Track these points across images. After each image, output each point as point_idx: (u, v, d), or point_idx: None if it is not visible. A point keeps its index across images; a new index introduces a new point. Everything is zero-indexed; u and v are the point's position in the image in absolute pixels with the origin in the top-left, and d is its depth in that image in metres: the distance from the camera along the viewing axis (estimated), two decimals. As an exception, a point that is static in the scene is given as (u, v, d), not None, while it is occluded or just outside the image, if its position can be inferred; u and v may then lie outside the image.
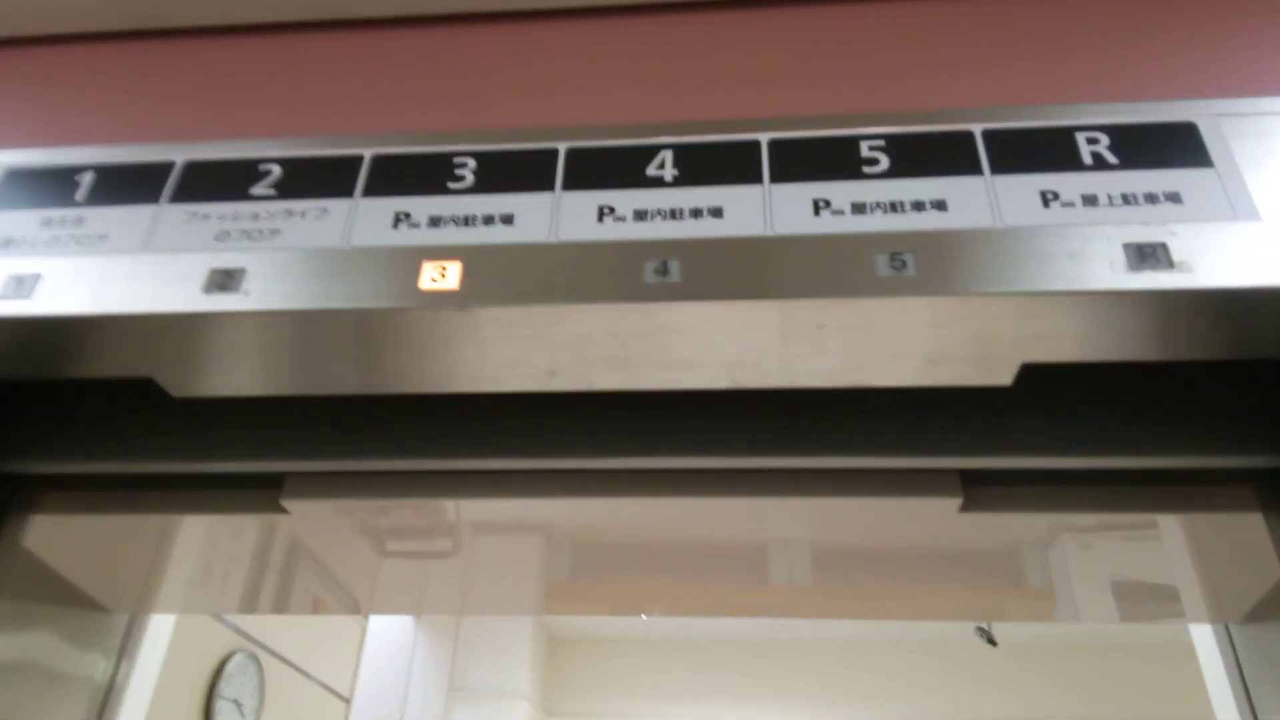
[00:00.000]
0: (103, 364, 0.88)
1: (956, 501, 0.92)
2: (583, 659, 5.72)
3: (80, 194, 0.91)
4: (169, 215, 0.88)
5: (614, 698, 5.60)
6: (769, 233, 0.78)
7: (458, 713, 5.00)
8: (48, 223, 0.89)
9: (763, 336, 0.79)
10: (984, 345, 0.78)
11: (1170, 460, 0.86)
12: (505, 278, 0.79)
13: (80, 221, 0.88)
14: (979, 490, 0.93)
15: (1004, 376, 0.82)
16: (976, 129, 0.81)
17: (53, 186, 0.92)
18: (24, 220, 0.89)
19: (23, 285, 0.84)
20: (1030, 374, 0.80)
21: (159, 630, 1.43)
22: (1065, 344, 0.77)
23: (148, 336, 0.84)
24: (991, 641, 4.90)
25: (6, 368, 0.90)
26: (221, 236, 0.85)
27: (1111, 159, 0.78)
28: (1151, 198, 0.75)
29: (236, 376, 0.90)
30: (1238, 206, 0.73)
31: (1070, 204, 0.75)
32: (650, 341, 0.81)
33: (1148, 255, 0.71)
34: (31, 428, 1.00)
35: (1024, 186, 0.77)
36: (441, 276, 0.80)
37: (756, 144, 0.83)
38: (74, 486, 1.06)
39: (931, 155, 0.80)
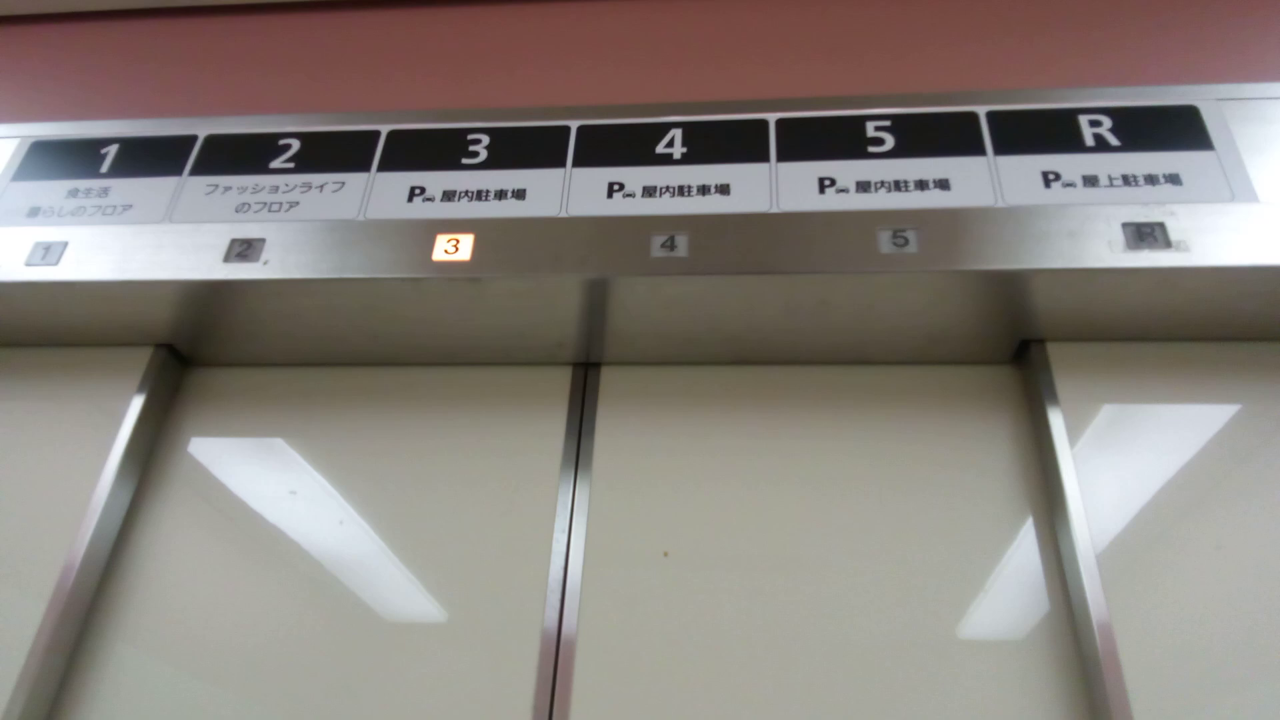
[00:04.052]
0: (127, 331, 0.91)
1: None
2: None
3: (105, 165, 0.93)
4: (191, 187, 0.90)
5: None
6: (775, 210, 0.79)
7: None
8: (74, 193, 0.91)
9: (767, 311, 0.80)
10: (983, 322, 0.79)
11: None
12: (516, 250, 0.81)
13: (105, 192, 0.91)
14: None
15: (1002, 354, 0.83)
16: (981, 110, 0.82)
17: (78, 158, 0.95)
18: (51, 190, 0.92)
19: (50, 252, 0.86)
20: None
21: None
22: (1064, 322, 0.79)
23: (170, 303, 0.86)
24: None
25: (34, 336, 0.92)
26: (242, 208, 0.88)
27: (1113, 141, 0.79)
28: (1151, 179, 0.76)
29: (254, 345, 0.92)
30: (1237, 188, 0.74)
31: (1071, 184, 0.76)
32: (657, 314, 0.83)
33: (1146, 235, 0.72)
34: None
35: (1026, 167, 0.78)
36: (455, 249, 0.82)
37: (764, 123, 0.85)
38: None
39: (936, 135, 0.81)
